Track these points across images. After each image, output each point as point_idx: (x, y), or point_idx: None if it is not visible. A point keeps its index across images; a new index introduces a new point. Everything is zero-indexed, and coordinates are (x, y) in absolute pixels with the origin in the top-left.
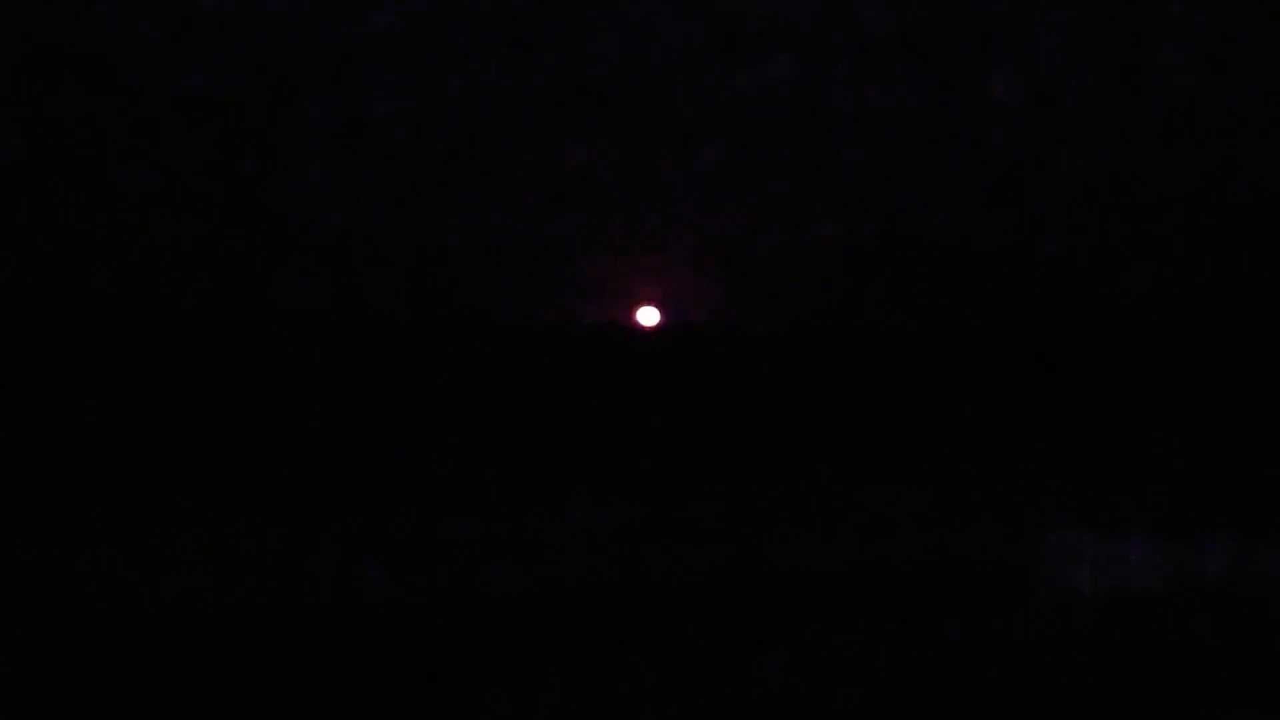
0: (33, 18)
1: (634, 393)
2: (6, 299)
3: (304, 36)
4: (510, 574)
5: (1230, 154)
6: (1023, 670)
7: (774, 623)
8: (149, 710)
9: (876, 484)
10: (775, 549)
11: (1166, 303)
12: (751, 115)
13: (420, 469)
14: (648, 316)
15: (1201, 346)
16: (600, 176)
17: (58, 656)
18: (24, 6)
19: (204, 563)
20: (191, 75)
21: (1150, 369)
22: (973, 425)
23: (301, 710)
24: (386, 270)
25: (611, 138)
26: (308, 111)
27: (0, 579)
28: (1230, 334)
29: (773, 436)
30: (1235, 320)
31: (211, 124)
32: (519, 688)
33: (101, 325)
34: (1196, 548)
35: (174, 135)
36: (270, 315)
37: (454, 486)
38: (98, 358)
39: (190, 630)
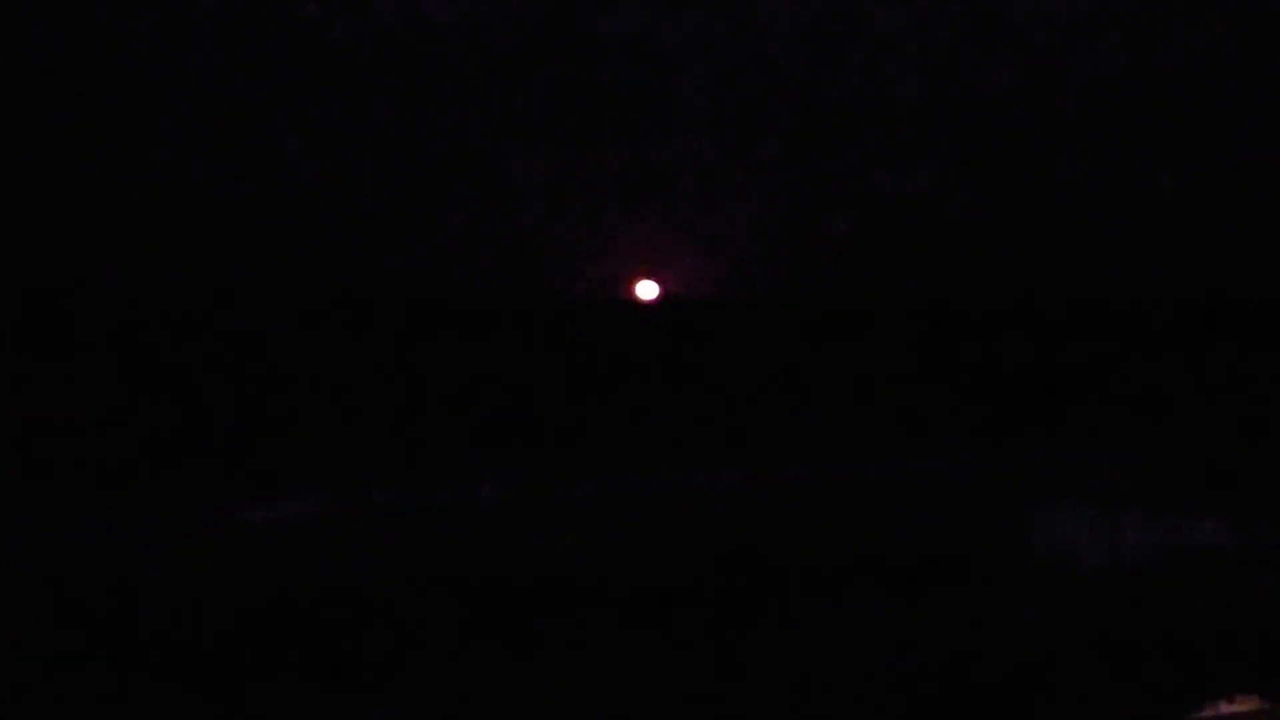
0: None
1: (632, 366)
2: (7, 296)
3: (306, 36)
4: (509, 549)
5: (1229, 153)
6: (1018, 643)
7: (772, 596)
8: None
9: (872, 459)
10: (772, 523)
11: (1163, 281)
12: (752, 107)
13: (420, 447)
14: (646, 290)
15: (1198, 325)
16: (598, 157)
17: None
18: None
19: (204, 554)
20: (191, 75)
21: (1148, 345)
22: (969, 400)
23: (302, 690)
24: (384, 253)
25: (608, 125)
26: (309, 110)
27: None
28: (1227, 314)
29: (771, 411)
30: (1231, 300)
31: (212, 123)
32: (517, 664)
33: (102, 321)
34: (1192, 522)
35: (173, 134)
36: (274, 305)
37: (453, 463)
38: (98, 353)
39: (195, 619)
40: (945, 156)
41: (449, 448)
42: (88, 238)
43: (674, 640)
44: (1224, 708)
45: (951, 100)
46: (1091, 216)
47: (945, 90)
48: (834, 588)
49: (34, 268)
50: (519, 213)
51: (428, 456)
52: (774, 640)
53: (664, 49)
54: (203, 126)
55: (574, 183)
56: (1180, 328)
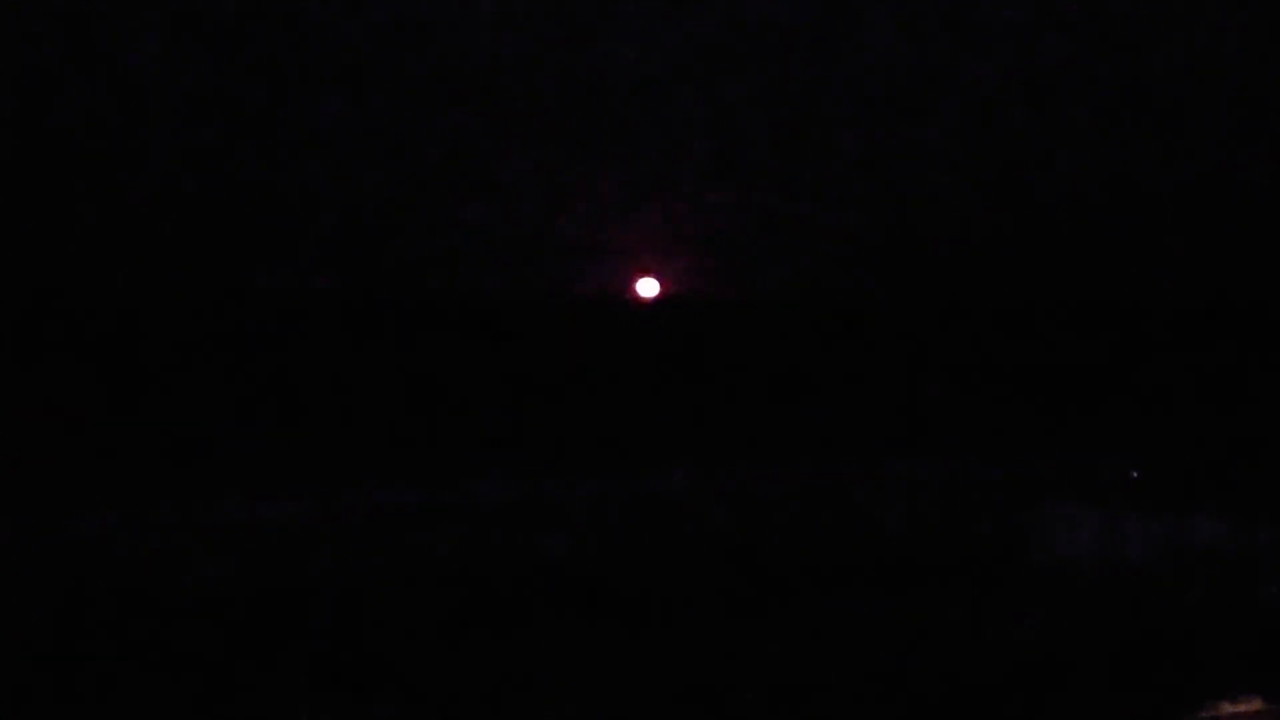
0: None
1: (632, 365)
2: (8, 293)
3: (307, 36)
4: (509, 549)
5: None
6: (1018, 643)
7: (772, 596)
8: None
9: (875, 456)
10: (772, 523)
11: (1161, 282)
12: (751, 106)
13: (420, 447)
14: (647, 288)
15: (1196, 327)
16: (598, 157)
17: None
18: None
19: (203, 553)
20: (191, 75)
21: (1148, 345)
22: (971, 398)
23: (301, 689)
24: (384, 253)
25: (608, 125)
26: (310, 110)
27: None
28: (1224, 317)
29: (771, 410)
30: (1229, 304)
31: (212, 123)
32: (517, 664)
33: (102, 317)
34: (1192, 522)
35: (174, 134)
36: (274, 304)
37: (453, 463)
38: (98, 352)
39: (194, 619)
40: (945, 156)
41: (449, 448)
42: (87, 238)
43: (674, 640)
44: (1224, 708)
45: (952, 100)
46: (1091, 216)
47: (945, 90)
48: (834, 588)
49: (34, 268)
50: (519, 212)
51: (428, 456)
52: (774, 640)
53: (664, 50)
54: (202, 126)
55: (574, 183)
56: (1180, 328)
